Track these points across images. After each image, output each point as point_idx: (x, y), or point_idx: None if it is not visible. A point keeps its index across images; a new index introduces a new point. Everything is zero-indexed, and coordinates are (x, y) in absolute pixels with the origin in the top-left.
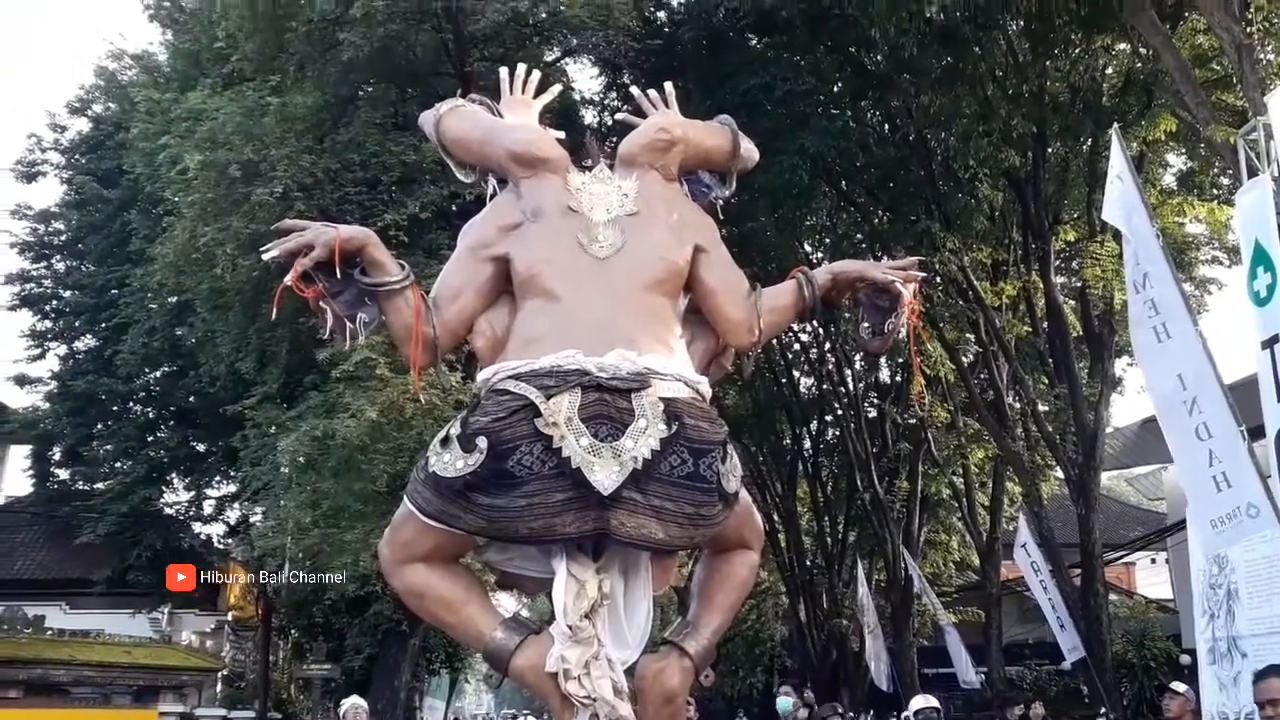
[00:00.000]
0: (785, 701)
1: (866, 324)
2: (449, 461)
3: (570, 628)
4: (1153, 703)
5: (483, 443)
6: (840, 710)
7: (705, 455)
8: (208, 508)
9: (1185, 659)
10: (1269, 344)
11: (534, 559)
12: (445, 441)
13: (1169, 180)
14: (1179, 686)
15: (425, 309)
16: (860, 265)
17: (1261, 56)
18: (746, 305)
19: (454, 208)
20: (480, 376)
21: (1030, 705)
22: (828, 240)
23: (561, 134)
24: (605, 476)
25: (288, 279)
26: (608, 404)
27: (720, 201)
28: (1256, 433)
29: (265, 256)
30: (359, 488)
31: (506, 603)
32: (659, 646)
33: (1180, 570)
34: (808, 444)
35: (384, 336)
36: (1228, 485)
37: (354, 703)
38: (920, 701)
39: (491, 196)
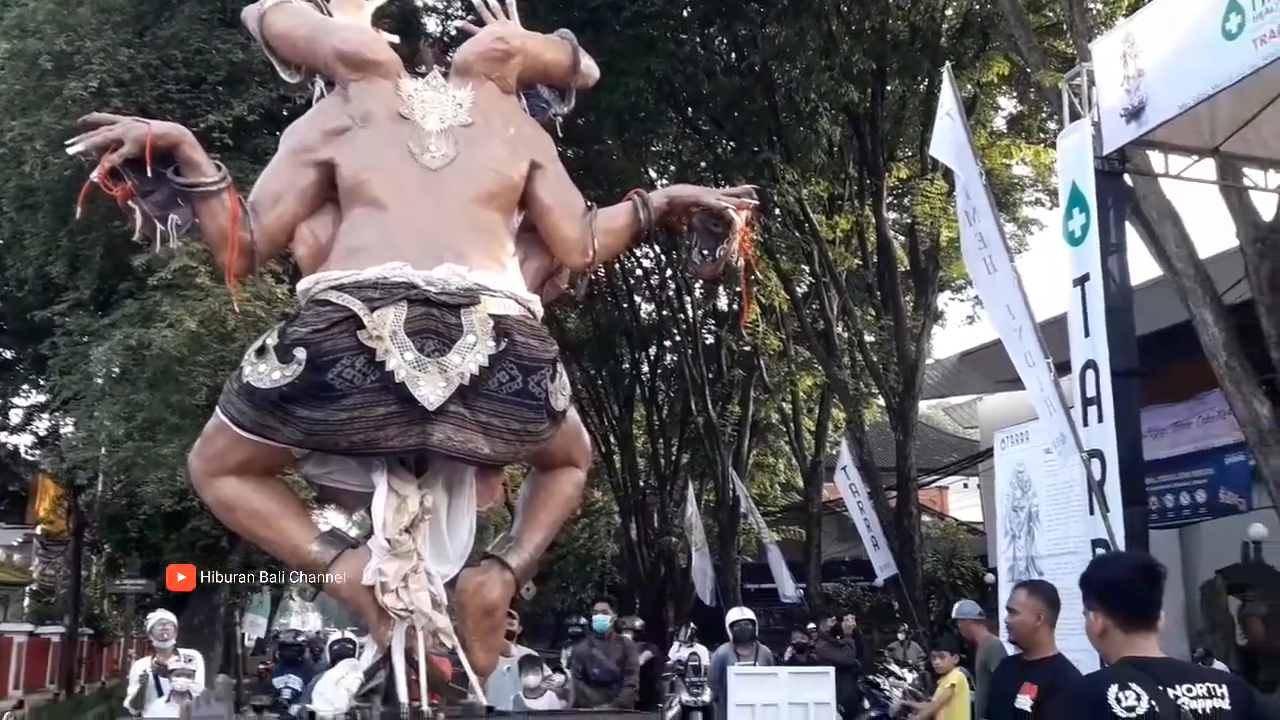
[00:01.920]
0: (603, 619)
1: (700, 249)
2: (265, 372)
3: (389, 541)
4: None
5: (301, 354)
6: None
7: (534, 373)
8: (14, 417)
9: (990, 577)
10: (1080, 282)
11: (354, 473)
12: (261, 352)
13: (999, 123)
14: (966, 605)
15: (243, 214)
16: (696, 190)
17: (1091, 5)
18: (582, 225)
19: (284, 112)
20: (301, 286)
21: (842, 618)
22: (672, 167)
23: (396, 38)
24: (430, 391)
25: (94, 175)
26: (435, 319)
27: (559, 118)
28: (1065, 368)
29: (71, 151)
30: (176, 400)
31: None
32: (481, 561)
33: (989, 494)
34: (646, 368)
35: (206, 244)
36: (1053, 410)
37: (161, 617)
38: (736, 614)
39: (319, 99)
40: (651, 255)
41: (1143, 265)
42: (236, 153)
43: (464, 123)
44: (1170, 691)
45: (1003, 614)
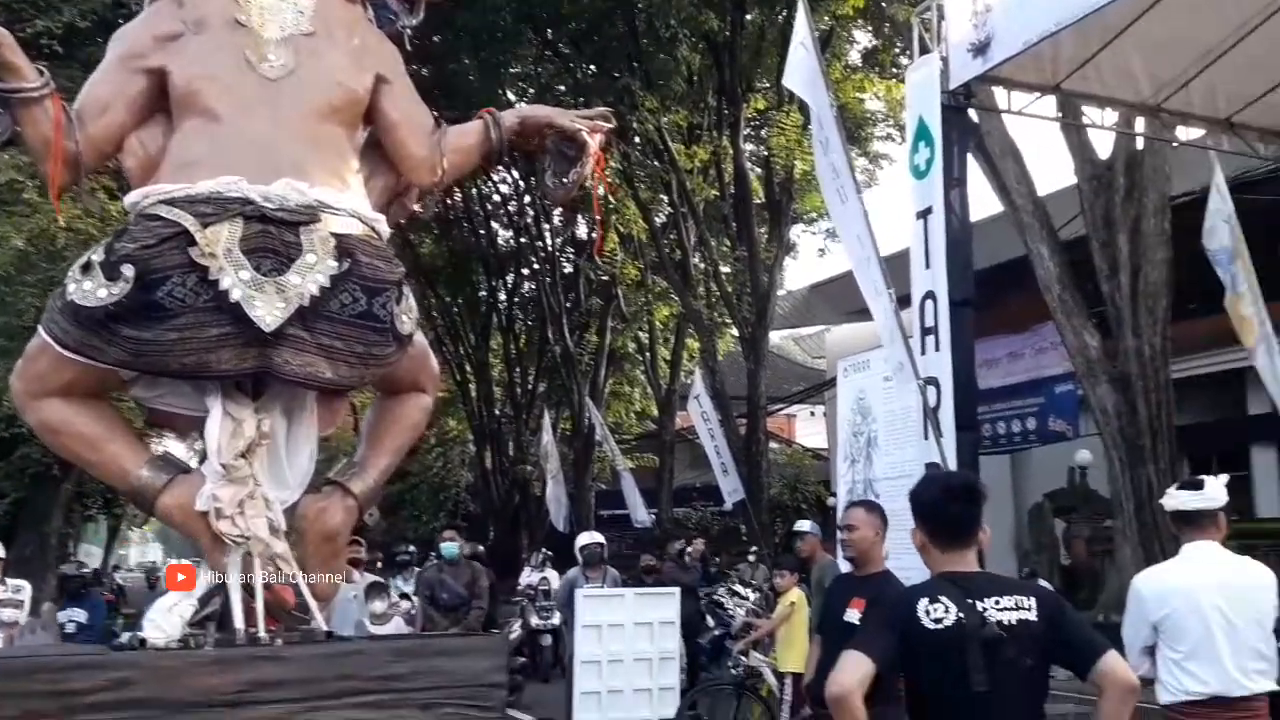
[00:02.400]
0: (451, 546)
1: (553, 172)
2: (90, 290)
3: (224, 467)
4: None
5: (129, 271)
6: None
7: (379, 294)
8: None
9: (832, 500)
10: (923, 215)
11: (187, 396)
12: (86, 268)
13: (854, 57)
14: (804, 525)
15: (67, 122)
16: (549, 111)
17: None
18: (430, 143)
19: (120, 20)
20: (129, 200)
21: (690, 542)
22: (531, 90)
23: None
24: (267, 312)
25: None
26: (273, 236)
27: (407, 30)
28: (907, 301)
29: None
30: (3, 322)
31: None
32: (323, 487)
33: (833, 422)
34: (503, 296)
35: (29, 155)
36: (894, 339)
37: None
38: (586, 538)
39: (151, 2)
40: (509, 181)
41: (985, 200)
42: (67, 61)
43: (305, 31)
44: (979, 604)
45: (839, 533)
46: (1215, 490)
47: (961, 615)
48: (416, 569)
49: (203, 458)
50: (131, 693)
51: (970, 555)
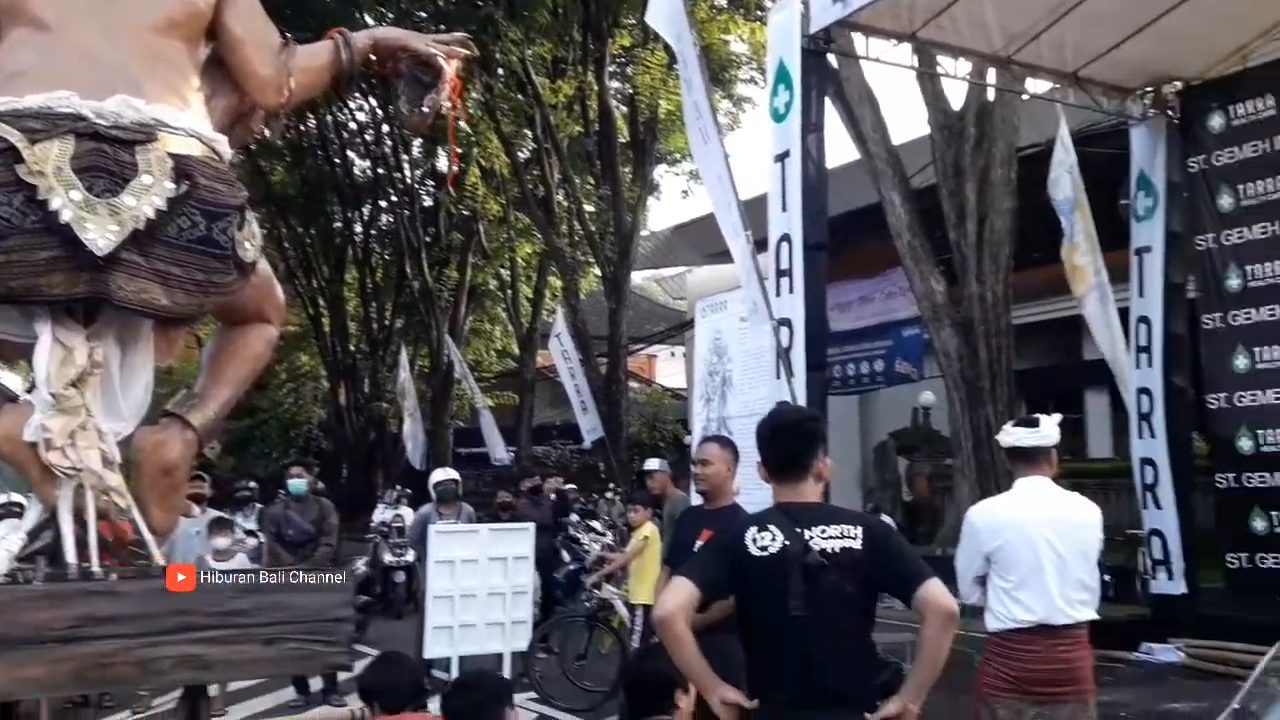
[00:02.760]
0: (298, 483)
1: (407, 98)
2: None
3: (54, 396)
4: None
5: None
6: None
7: (219, 219)
8: None
9: (689, 439)
10: (781, 158)
11: (13, 321)
12: None
13: None
14: (653, 463)
15: None
16: (404, 34)
17: None
18: (277, 62)
19: None
20: None
21: (545, 479)
22: (389, 15)
23: None
24: (100, 235)
25: None
26: (106, 155)
27: None
28: (764, 245)
29: None
30: None
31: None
32: (160, 418)
33: (693, 362)
34: (359, 229)
35: None
36: (749, 280)
37: None
38: (440, 474)
39: None
40: (366, 109)
41: (842, 147)
42: None
43: None
44: (806, 532)
45: (693, 468)
46: (1049, 428)
47: (787, 542)
48: (259, 505)
49: (31, 386)
50: None
51: (804, 487)
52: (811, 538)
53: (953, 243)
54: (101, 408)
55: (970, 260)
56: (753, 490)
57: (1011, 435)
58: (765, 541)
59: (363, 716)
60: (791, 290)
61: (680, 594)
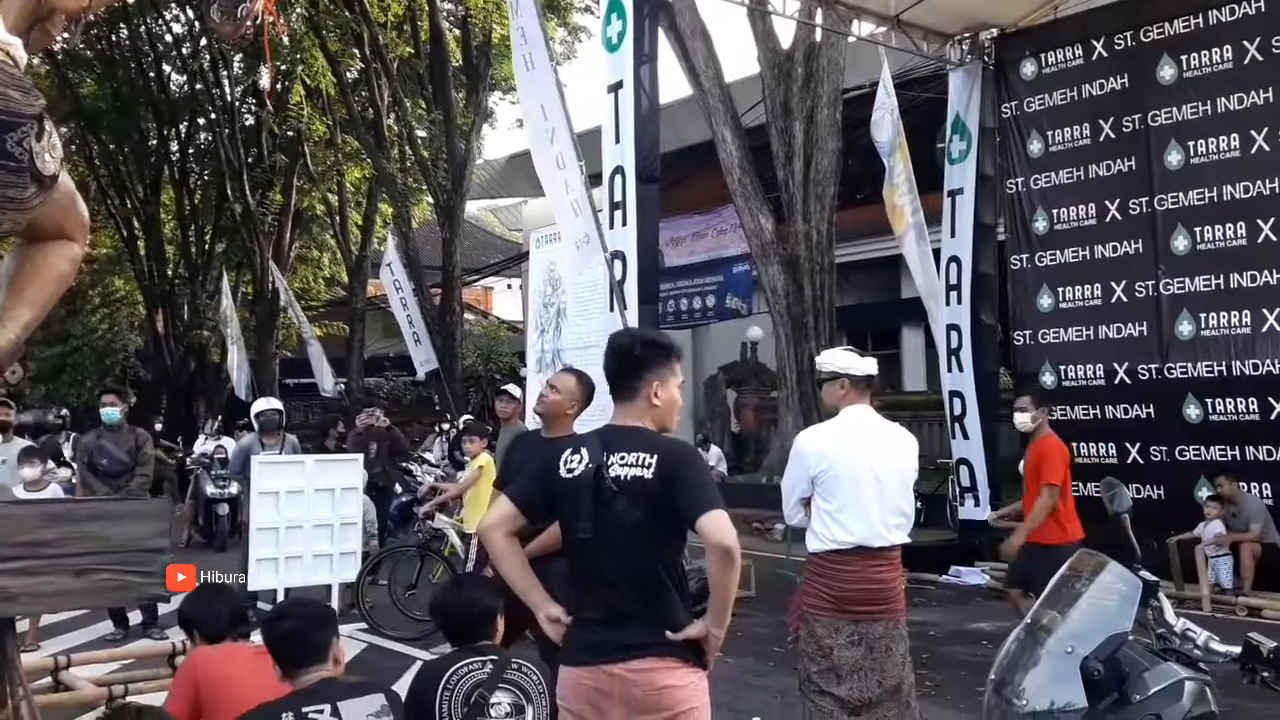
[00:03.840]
0: (112, 411)
1: (219, 4)
2: None
3: None
4: (492, 407)
5: None
6: None
7: (14, 129)
8: None
9: (524, 371)
10: (614, 89)
11: None
12: None
13: None
14: (514, 390)
15: None
16: None
17: None
18: None
19: None
20: None
21: (373, 415)
22: None
23: None
24: None
25: None
26: None
27: None
28: (598, 179)
29: None
30: None
31: None
32: None
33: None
34: (175, 147)
35: None
36: (581, 211)
37: None
38: (262, 404)
39: None
40: (183, 20)
41: (676, 83)
42: None
43: None
44: (609, 456)
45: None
46: (869, 359)
47: (590, 465)
48: (72, 434)
49: None
50: None
51: (633, 409)
52: (611, 463)
53: (781, 181)
54: None
55: (797, 199)
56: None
57: (867, 364)
58: (573, 464)
59: (184, 649)
60: (625, 223)
61: (498, 510)
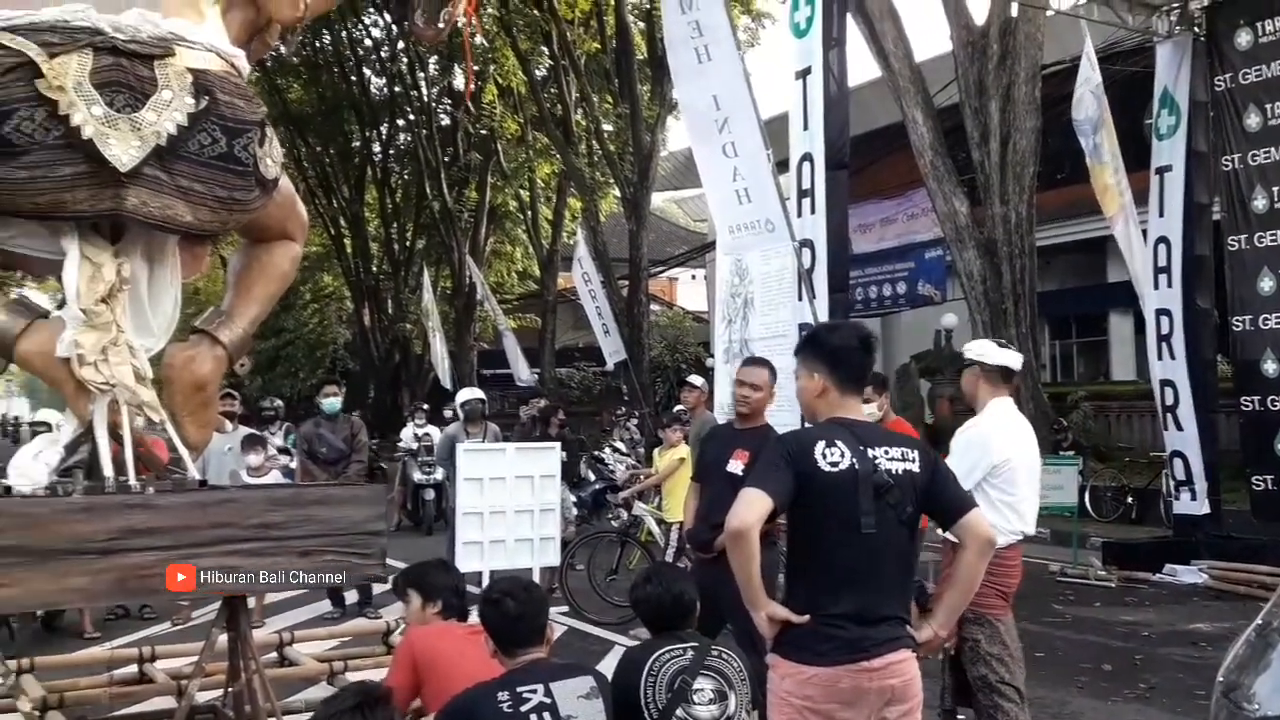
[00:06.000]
0: (333, 401)
1: (422, 10)
2: None
3: (84, 312)
4: (679, 397)
5: None
6: None
7: (240, 135)
8: None
9: (711, 361)
10: (802, 75)
11: (41, 238)
12: None
13: None
14: (695, 380)
15: None
16: None
17: None
18: None
19: None
20: None
21: (553, 413)
22: None
23: None
24: (123, 151)
25: None
26: (125, 70)
27: None
28: (784, 166)
29: None
30: None
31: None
32: (190, 335)
33: (714, 284)
34: (378, 148)
35: None
36: (748, 200)
37: None
38: (466, 394)
39: None
40: (381, 24)
41: (864, 65)
42: None
43: None
44: (870, 451)
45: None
46: (1011, 352)
47: (855, 461)
48: (286, 424)
49: (61, 303)
50: None
51: (859, 404)
52: (877, 458)
53: (976, 163)
54: (132, 324)
55: (994, 180)
56: (775, 413)
57: (1003, 356)
58: (834, 457)
59: (397, 627)
60: (813, 211)
61: (758, 507)
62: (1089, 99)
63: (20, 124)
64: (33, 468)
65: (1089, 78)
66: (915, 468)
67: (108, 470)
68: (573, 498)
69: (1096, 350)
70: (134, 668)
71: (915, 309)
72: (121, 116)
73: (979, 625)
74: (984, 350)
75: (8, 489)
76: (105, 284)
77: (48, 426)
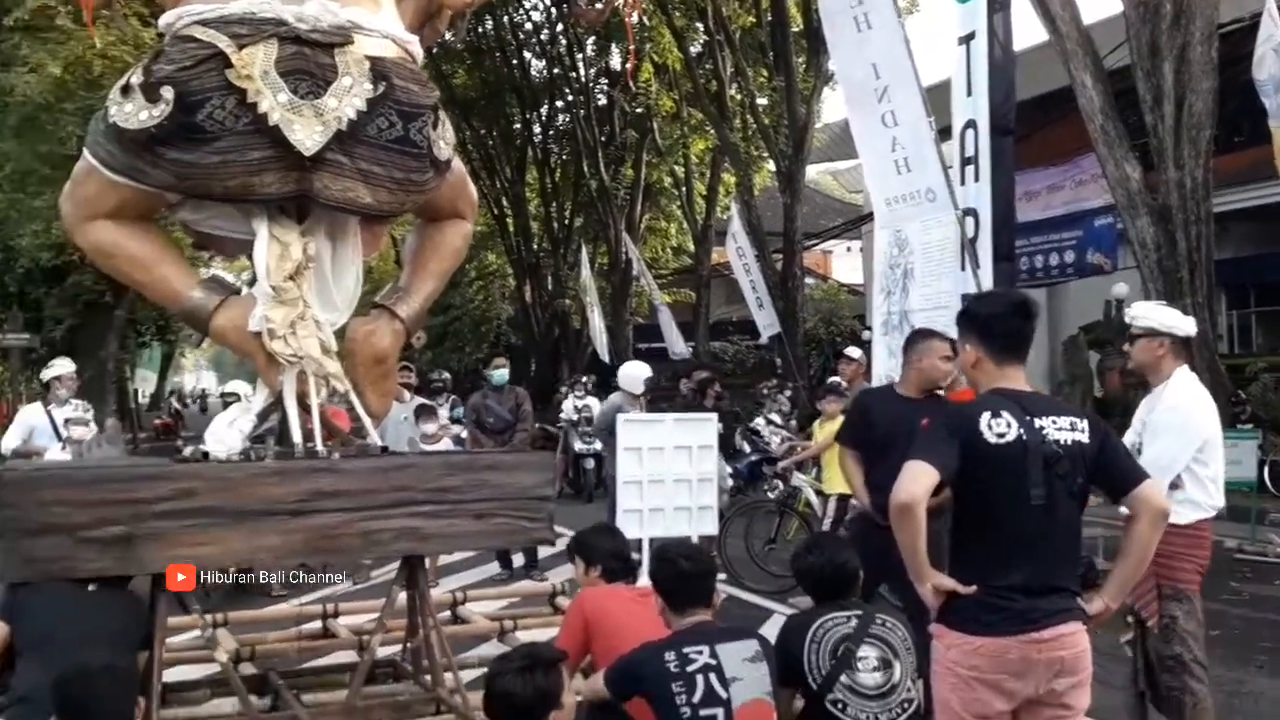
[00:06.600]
0: (502, 373)
1: None
2: (131, 112)
3: (274, 288)
4: (834, 370)
5: (169, 93)
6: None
7: (416, 119)
8: None
9: (866, 334)
10: (965, 40)
11: (233, 219)
12: (126, 90)
13: None
14: (853, 352)
15: None
16: None
17: None
18: None
19: None
20: (163, 21)
21: (709, 384)
22: None
23: None
24: (307, 136)
25: None
26: (307, 58)
27: None
28: (945, 134)
29: None
30: (45, 150)
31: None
32: (370, 310)
33: (870, 256)
34: (538, 129)
35: None
36: (907, 169)
37: (67, 369)
38: (630, 367)
39: None
40: (541, 8)
41: (1029, 28)
42: None
43: None
44: (1037, 421)
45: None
46: (1192, 319)
47: (1022, 431)
48: (452, 396)
49: (251, 281)
50: (197, 501)
51: (1023, 373)
52: (1044, 428)
53: (1149, 126)
54: (317, 299)
55: (1168, 144)
56: None
57: (1190, 324)
58: (1001, 429)
59: (564, 590)
60: (977, 179)
61: (923, 480)
62: (1270, 57)
63: (212, 112)
64: (228, 434)
65: (1271, 35)
66: (1084, 438)
67: (297, 437)
68: (728, 469)
69: (1276, 320)
70: (318, 623)
71: (1084, 278)
72: (305, 103)
73: (1178, 602)
74: (1174, 321)
75: (205, 454)
76: (292, 262)
77: (238, 397)
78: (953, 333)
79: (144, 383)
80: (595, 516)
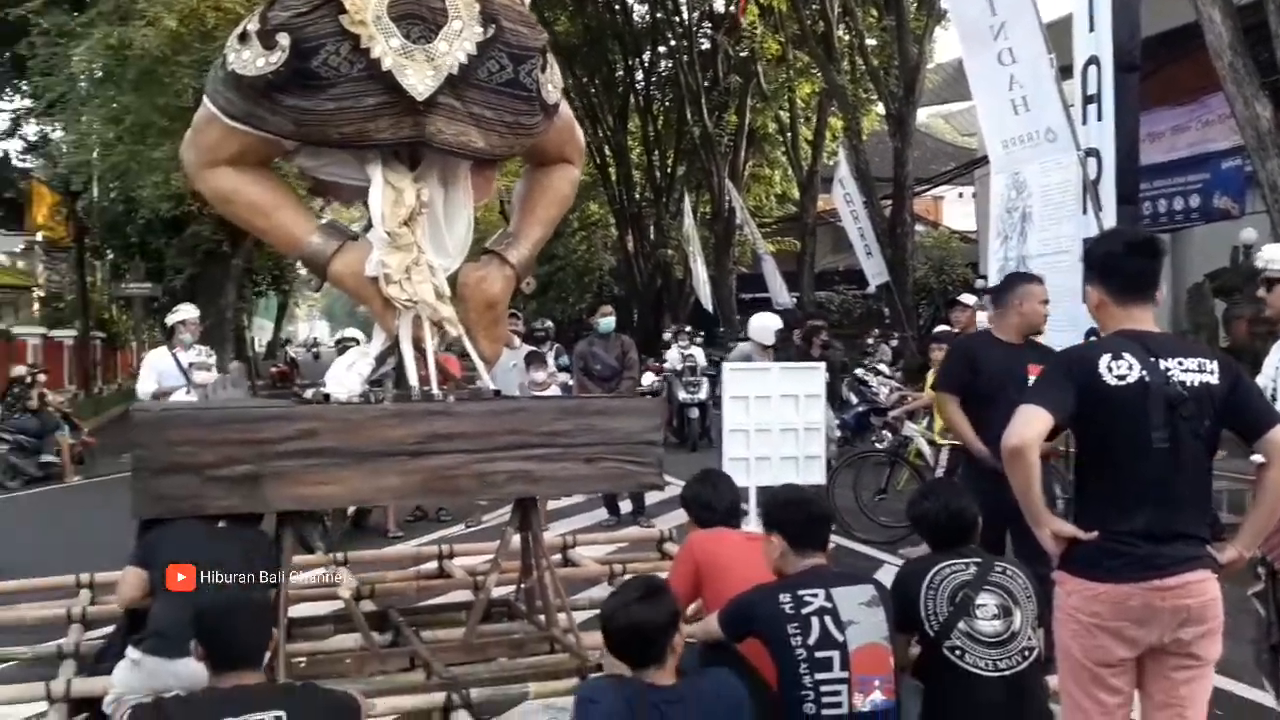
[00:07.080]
0: (608, 321)
1: None
2: (249, 59)
3: (389, 234)
4: (946, 319)
5: (284, 40)
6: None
7: (525, 61)
8: (1, 122)
9: (980, 283)
10: None
11: (348, 165)
12: (244, 38)
13: None
14: (968, 298)
15: None
16: None
17: None
18: None
19: None
20: None
21: (816, 333)
22: None
23: None
24: (419, 81)
25: None
26: (419, 2)
27: None
28: (1066, 72)
29: None
30: (163, 102)
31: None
32: (481, 256)
33: (984, 202)
34: (640, 76)
35: None
36: (1025, 109)
37: (192, 313)
38: (765, 318)
39: None
40: None
41: None
42: None
43: None
44: (1162, 363)
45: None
46: None
47: (1145, 373)
48: (556, 345)
49: (367, 226)
50: (319, 442)
51: (1149, 314)
52: (1170, 370)
53: None
54: (430, 245)
55: None
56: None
57: None
58: (1122, 371)
59: (671, 536)
60: (1100, 118)
61: (1036, 424)
62: None
63: (327, 58)
64: (348, 377)
65: None
66: (1214, 379)
67: (413, 380)
68: (836, 419)
69: None
70: (434, 564)
71: (1210, 223)
72: (417, 47)
73: None
74: None
75: (326, 396)
76: (406, 208)
77: (355, 342)
78: (1076, 279)
79: (260, 331)
80: (701, 463)
